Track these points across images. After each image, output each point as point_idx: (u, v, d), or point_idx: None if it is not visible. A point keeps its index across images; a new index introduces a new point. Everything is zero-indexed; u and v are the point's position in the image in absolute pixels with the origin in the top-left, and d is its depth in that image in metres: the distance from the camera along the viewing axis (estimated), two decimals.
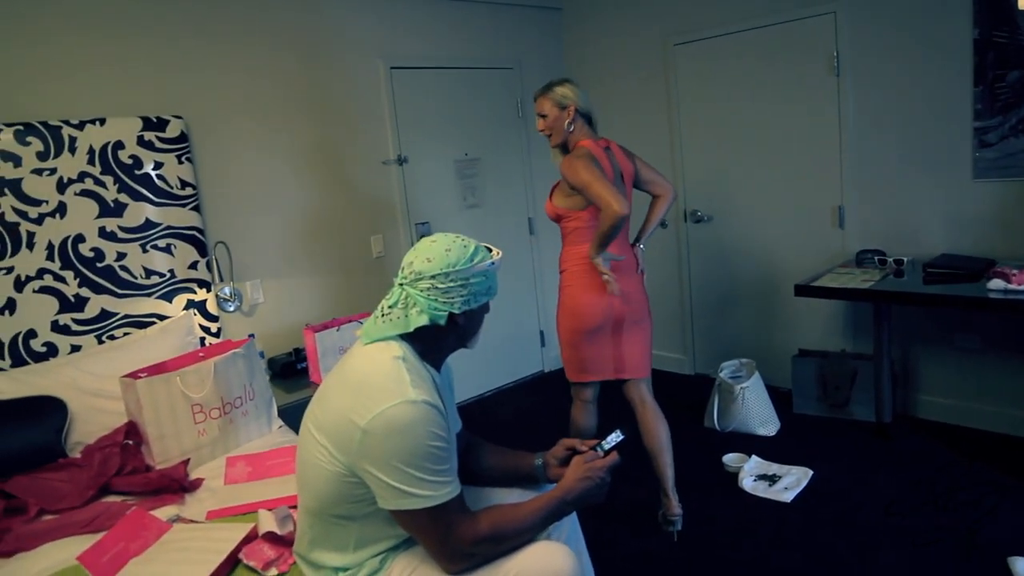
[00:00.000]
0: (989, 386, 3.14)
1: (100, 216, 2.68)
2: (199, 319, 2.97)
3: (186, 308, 2.93)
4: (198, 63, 3.03)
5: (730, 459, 3.06)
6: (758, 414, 3.35)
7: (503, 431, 3.62)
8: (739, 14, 3.67)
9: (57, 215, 2.59)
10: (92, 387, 2.43)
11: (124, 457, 2.23)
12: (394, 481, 1.31)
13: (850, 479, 2.85)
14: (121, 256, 2.74)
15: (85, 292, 2.66)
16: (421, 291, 1.42)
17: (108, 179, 2.70)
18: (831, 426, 3.36)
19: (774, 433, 3.35)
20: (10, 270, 2.50)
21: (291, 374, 3.17)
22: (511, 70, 4.29)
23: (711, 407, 3.48)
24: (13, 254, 2.50)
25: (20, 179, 2.51)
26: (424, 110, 3.88)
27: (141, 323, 2.79)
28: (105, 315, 2.70)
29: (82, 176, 2.63)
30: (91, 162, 2.65)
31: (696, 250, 4.15)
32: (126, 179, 2.74)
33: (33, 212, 2.54)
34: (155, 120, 2.81)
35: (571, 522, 1.70)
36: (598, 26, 4.35)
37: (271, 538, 1.71)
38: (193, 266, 2.95)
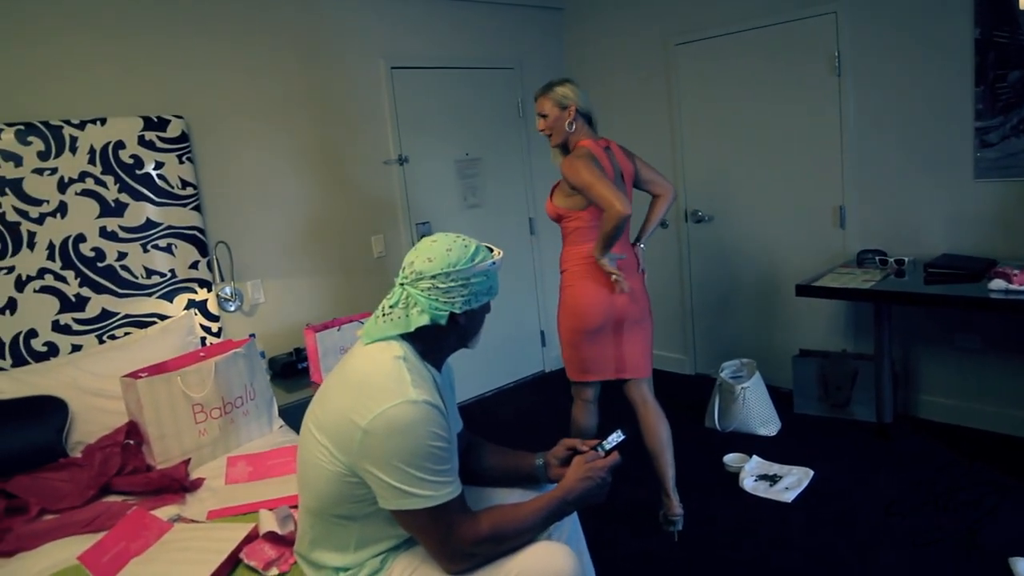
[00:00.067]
0: (990, 386, 3.14)
1: (101, 216, 2.69)
2: (200, 319, 2.97)
3: (187, 308, 2.93)
4: (199, 63, 3.03)
5: (731, 459, 3.06)
6: (759, 414, 3.35)
7: (504, 431, 3.62)
8: (740, 14, 3.67)
9: (58, 215, 2.59)
10: (93, 387, 2.43)
11: (125, 457, 2.24)
12: (395, 481, 1.31)
13: (851, 479, 2.85)
14: (122, 256, 2.74)
15: (86, 292, 2.66)
16: (422, 291, 1.42)
17: (109, 179, 2.70)
18: (832, 426, 3.36)
19: (775, 433, 3.35)
20: (11, 270, 2.50)
21: (292, 374, 3.17)
22: (512, 70, 4.29)
23: (712, 407, 3.48)
24: (14, 254, 2.51)
25: (21, 179, 2.51)
26: (425, 110, 3.88)
27: (142, 323, 2.80)
28: (106, 315, 2.70)
29: (83, 176, 2.64)
30: (92, 162, 2.65)
31: (697, 250, 4.15)
32: (127, 179, 2.74)
33: (34, 212, 2.54)
34: (156, 120, 2.81)
35: (572, 522, 1.69)
36: (599, 26, 4.34)
37: (272, 538, 1.71)
38: (194, 266, 2.95)
